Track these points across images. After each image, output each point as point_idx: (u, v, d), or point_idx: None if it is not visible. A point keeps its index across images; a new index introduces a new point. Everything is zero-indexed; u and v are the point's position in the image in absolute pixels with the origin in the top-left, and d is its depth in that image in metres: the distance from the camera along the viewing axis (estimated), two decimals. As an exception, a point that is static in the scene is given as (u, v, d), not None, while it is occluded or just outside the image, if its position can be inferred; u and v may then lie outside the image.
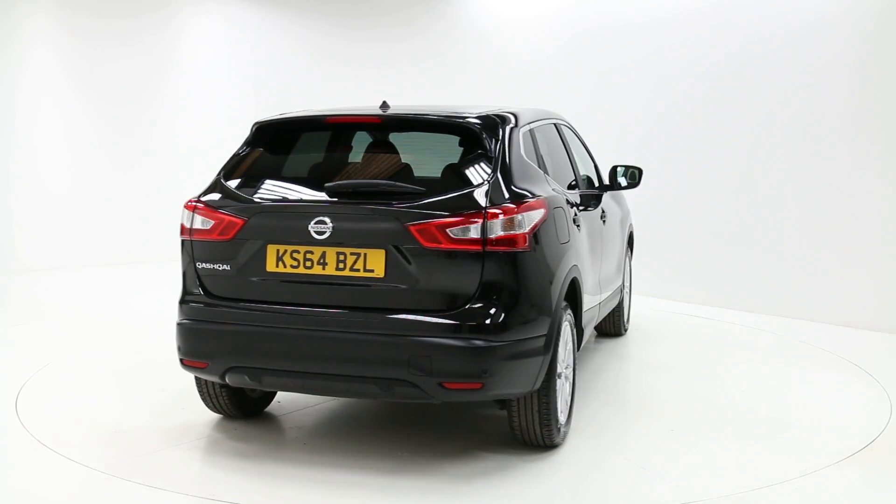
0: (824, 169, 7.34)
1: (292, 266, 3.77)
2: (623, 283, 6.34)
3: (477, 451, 4.11)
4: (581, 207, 4.79)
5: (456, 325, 3.58)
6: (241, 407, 4.47)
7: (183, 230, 4.03)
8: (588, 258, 4.71)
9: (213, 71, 11.06)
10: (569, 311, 4.18)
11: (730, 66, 7.96)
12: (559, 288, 3.95)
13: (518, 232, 3.64)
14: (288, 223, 3.78)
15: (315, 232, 3.70)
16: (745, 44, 7.83)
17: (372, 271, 3.67)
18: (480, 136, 3.93)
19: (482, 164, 3.83)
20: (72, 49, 9.99)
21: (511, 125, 4.08)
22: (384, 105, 4.34)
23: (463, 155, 3.97)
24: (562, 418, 4.13)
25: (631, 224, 6.71)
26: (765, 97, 7.71)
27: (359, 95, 10.35)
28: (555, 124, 5.15)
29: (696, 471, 4.01)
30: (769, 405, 5.01)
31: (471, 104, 4.50)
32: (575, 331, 4.37)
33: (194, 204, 4.03)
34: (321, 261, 3.72)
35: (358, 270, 3.68)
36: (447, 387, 3.58)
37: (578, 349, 4.55)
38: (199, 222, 3.97)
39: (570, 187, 4.85)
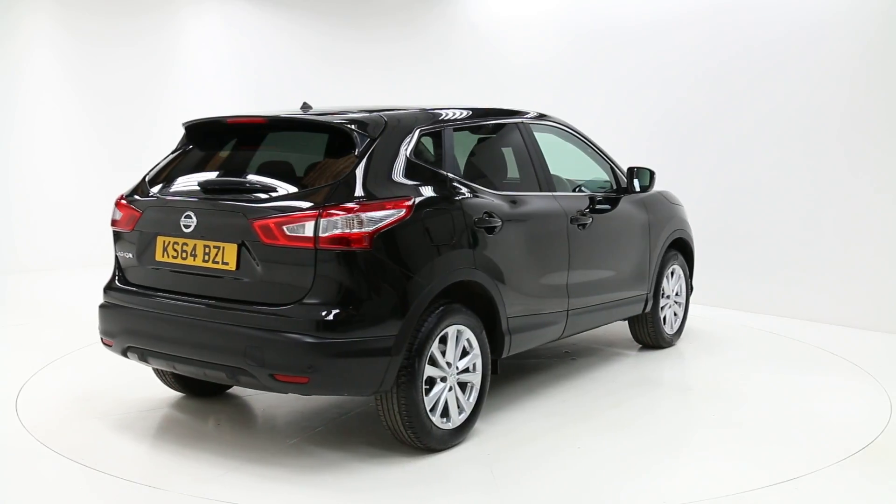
0: (825, 169, 7.34)
1: (173, 257, 4.11)
2: (655, 291, 5.97)
3: (350, 447, 4.20)
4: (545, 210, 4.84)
5: (286, 320, 3.72)
6: (187, 385, 4.90)
7: (111, 222, 4.50)
8: (523, 262, 4.59)
9: (213, 71, 11.05)
10: (465, 313, 4.17)
11: (731, 68, 7.95)
12: (426, 290, 3.93)
13: (356, 231, 3.71)
14: (167, 217, 4.14)
15: (184, 226, 4.02)
16: (748, 46, 7.82)
17: (227, 264, 3.91)
18: (351, 138, 4.01)
19: (341, 165, 3.93)
20: (72, 49, 9.99)
21: (390, 127, 4.12)
22: (305, 106, 4.59)
23: (331, 155, 4.06)
24: (444, 423, 4.10)
25: (680, 230, 6.27)
26: (766, 99, 7.71)
27: (358, 96, 10.37)
28: (517, 125, 5.02)
29: (693, 471, 4.01)
30: (769, 405, 5.01)
31: (395, 105, 4.59)
32: (484, 334, 4.30)
33: (118, 198, 4.50)
34: (193, 252, 4.02)
35: (218, 263, 3.94)
36: (278, 378, 3.73)
37: (504, 354, 4.50)
38: (117, 214, 4.45)
39: (533, 189, 4.87)
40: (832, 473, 3.94)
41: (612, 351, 6.21)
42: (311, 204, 3.74)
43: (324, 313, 3.69)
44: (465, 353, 4.23)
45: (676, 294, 6.35)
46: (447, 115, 4.57)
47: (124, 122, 10.31)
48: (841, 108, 7.22)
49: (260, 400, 4.99)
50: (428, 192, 4.10)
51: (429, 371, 3.99)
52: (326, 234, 3.67)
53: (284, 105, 4.66)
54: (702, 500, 3.62)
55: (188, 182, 4.30)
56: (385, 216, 3.81)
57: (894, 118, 6.91)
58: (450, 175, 4.30)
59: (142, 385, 5.20)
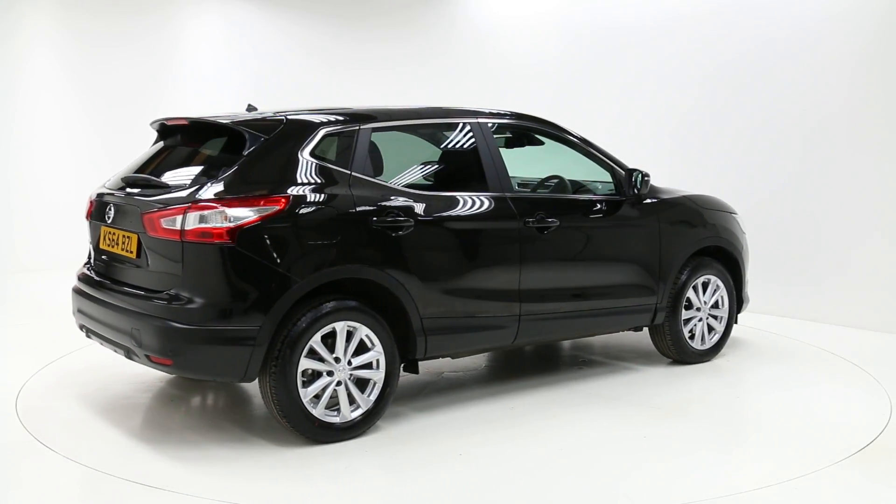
0: (824, 168, 7.33)
1: (107, 245, 4.56)
2: (673, 303, 5.58)
3: (233, 432, 4.44)
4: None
5: (158, 306, 4.03)
6: None
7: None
8: (446, 262, 4.56)
9: (213, 71, 11.05)
10: (361, 310, 4.23)
11: (733, 68, 7.94)
12: (298, 285, 4.04)
13: (218, 226, 3.92)
14: (102, 209, 4.57)
15: (106, 217, 4.50)
16: (752, 46, 7.80)
17: (132, 253, 4.29)
18: (245, 139, 4.25)
19: (230, 163, 4.17)
20: (72, 49, 9.98)
21: (287, 128, 4.31)
22: (249, 108, 4.89)
23: (228, 154, 4.29)
24: (330, 416, 4.20)
25: (715, 238, 5.83)
26: (766, 99, 7.70)
27: (358, 96, 10.36)
28: (472, 125, 4.91)
29: (693, 472, 4.01)
30: (769, 405, 5.01)
31: (331, 107, 4.70)
32: (388, 333, 4.33)
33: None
34: (116, 241, 4.45)
35: (127, 252, 4.35)
36: (152, 360, 4.06)
37: (420, 355, 4.51)
38: (87, 206, 4.86)
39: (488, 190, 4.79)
40: (832, 473, 3.94)
41: (623, 365, 5.80)
42: (182, 200, 4.02)
43: (187, 302, 3.96)
44: (365, 350, 4.28)
45: (714, 307, 5.86)
46: (374, 115, 4.63)
47: (124, 122, 10.28)
48: (842, 108, 7.20)
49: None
50: (316, 190, 4.20)
51: (309, 364, 4.11)
52: (191, 228, 3.94)
53: (274, 104, 4.74)
54: (701, 500, 3.62)
55: (123, 177, 4.62)
56: (253, 212, 3.99)
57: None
58: (355, 175, 4.35)
59: (140, 384, 5.21)
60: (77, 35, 9.99)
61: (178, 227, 3.95)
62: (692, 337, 5.77)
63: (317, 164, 4.26)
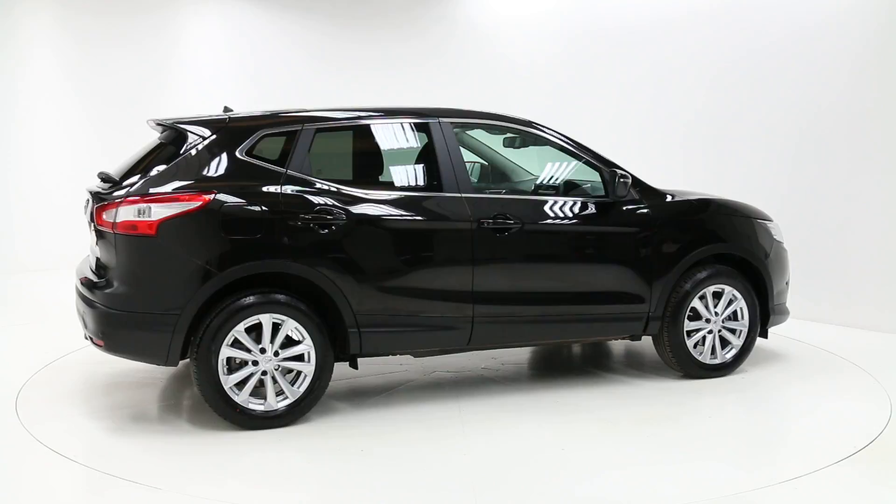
0: (825, 168, 7.33)
1: (90, 237, 4.78)
2: (674, 312, 5.23)
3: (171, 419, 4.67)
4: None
5: (95, 291, 4.40)
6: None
7: None
8: (385, 260, 4.59)
9: (212, 71, 11.05)
10: (289, 304, 4.39)
11: (734, 68, 7.93)
12: (217, 277, 4.29)
13: (141, 219, 4.25)
14: (86, 203, 4.75)
15: (86, 211, 4.73)
16: (752, 46, 7.79)
17: (95, 243, 4.60)
18: (186, 139, 4.56)
19: (164, 162, 4.47)
20: (72, 49, 9.99)
21: (227, 129, 4.56)
22: (226, 110, 5.05)
23: (174, 152, 4.53)
24: (257, 405, 4.42)
25: (728, 245, 5.43)
26: (765, 99, 7.70)
27: (359, 96, 10.36)
28: (432, 125, 4.88)
29: (694, 472, 4.01)
30: (769, 405, 5.01)
31: (285, 109, 4.86)
32: (318, 327, 4.46)
33: None
34: (91, 233, 4.69)
35: (93, 243, 4.63)
36: (93, 341, 4.44)
37: (357, 351, 4.59)
38: None
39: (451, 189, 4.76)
40: (832, 473, 3.94)
41: (613, 377, 5.51)
42: (120, 194, 4.33)
43: (113, 287, 4.32)
44: (296, 343, 4.46)
45: (729, 319, 5.45)
46: (320, 116, 4.72)
47: (124, 123, 10.26)
48: (843, 106, 7.19)
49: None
50: (243, 188, 4.42)
51: (232, 353, 4.36)
52: (120, 221, 4.27)
53: (273, 105, 4.76)
54: (701, 501, 3.62)
55: (98, 173, 4.82)
56: (175, 207, 4.28)
57: None
58: (290, 174, 4.52)
59: (140, 383, 5.21)
60: (77, 35, 9.99)
61: (112, 219, 4.29)
62: (698, 350, 5.40)
63: (251, 163, 4.50)
